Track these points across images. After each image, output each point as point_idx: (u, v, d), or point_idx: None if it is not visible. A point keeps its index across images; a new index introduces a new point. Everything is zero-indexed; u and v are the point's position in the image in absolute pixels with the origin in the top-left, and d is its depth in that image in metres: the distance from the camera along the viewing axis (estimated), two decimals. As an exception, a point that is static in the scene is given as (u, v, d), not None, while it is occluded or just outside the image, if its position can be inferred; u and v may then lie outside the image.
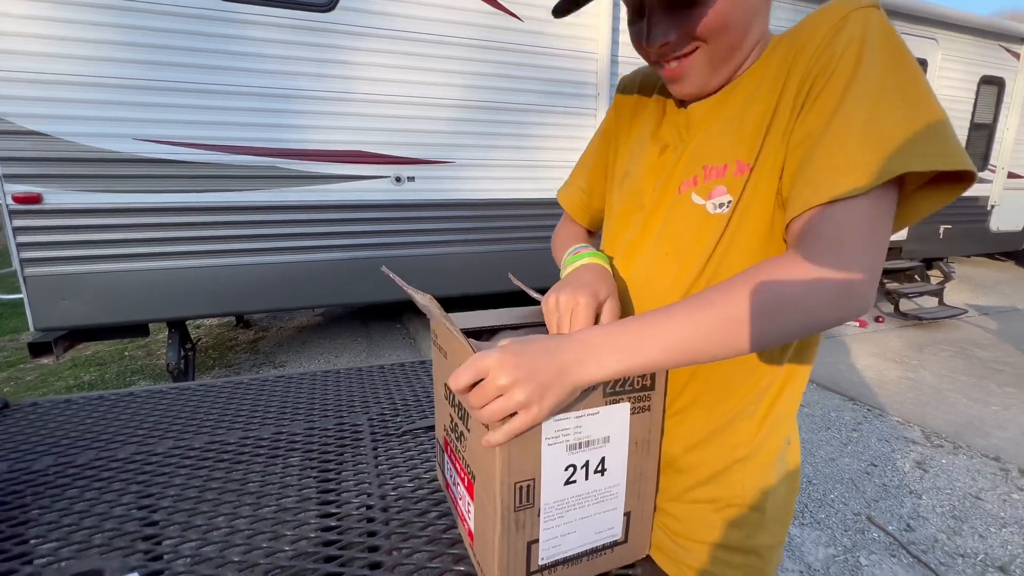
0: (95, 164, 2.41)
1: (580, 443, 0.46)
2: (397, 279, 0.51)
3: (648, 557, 0.56)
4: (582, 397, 0.45)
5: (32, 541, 0.59)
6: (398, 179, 2.96)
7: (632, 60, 3.35)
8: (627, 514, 0.51)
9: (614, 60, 3.30)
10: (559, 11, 0.51)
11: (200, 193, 2.60)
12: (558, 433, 0.45)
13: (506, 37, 3.04)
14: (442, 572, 0.56)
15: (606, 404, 0.46)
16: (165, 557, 0.59)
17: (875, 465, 2.21)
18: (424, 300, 0.46)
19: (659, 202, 0.56)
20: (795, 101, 0.44)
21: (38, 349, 2.47)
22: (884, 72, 0.40)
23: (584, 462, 0.47)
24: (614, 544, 0.52)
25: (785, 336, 0.41)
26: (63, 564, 0.56)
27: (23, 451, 0.79)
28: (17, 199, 2.29)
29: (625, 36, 3.27)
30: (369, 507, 0.68)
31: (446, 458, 0.62)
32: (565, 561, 0.49)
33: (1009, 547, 1.72)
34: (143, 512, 0.65)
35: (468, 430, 0.50)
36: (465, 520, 0.55)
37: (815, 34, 0.44)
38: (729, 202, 0.49)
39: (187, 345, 3.08)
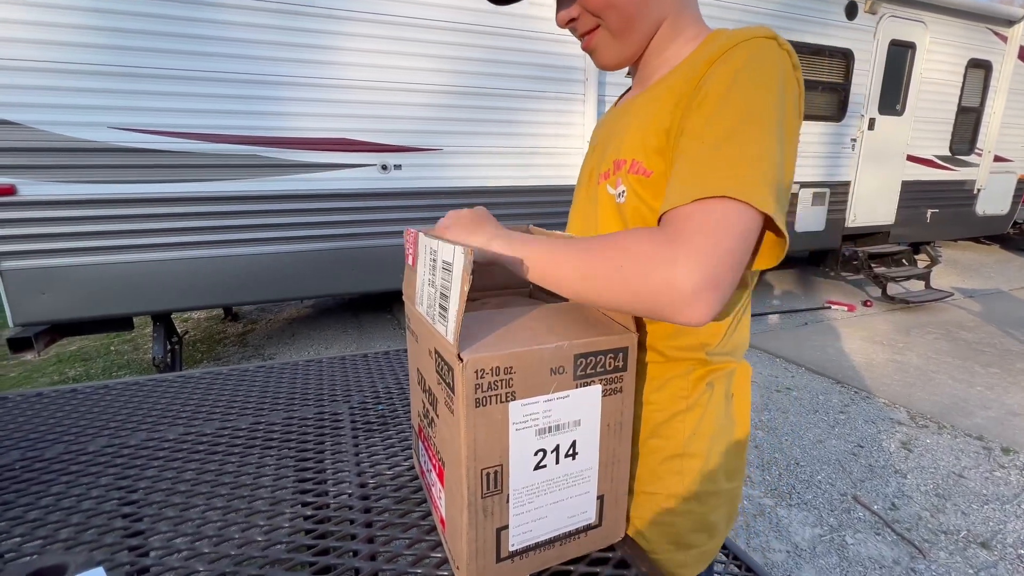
0: (70, 154, 2.35)
1: (550, 427, 0.45)
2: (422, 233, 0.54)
3: (627, 538, 0.56)
4: (552, 381, 0.44)
5: (-6, 537, 0.57)
6: (384, 167, 2.91)
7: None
8: (600, 497, 0.50)
9: (602, 44, 3.26)
10: None
11: (180, 183, 2.54)
12: (526, 418, 0.43)
13: (493, 20, 2.99)
14: (418, 559, 0.55)
15: (576, 387, 0.45)
16: (134, 551, 0.57)
17: (861, 446, 2.23)
18: (452, 254, 0.44)
19: (588, 190, 0.64)
20: (683, 117, 0.48)
21: (18, 344, 2.43)
22: (745, 101, 0.44)
23: (554, 446, 0.46)
24: (588, 528, 0.51)
25: (604, 301, 0.45)
26: (26, 559, 0.54)
27: (-11, 446, 0.77)
28: (-11, 191, 2.23)
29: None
30: (348, 495, 0.67)
31: (420, 445, 0.61)
32: (537, 546, 0.48)
33: (991, 523, 1.75)
34: (112, 505, 0.64)
35: (437, 416, 0.48)
36: (437, 507, 0.54)
37: (712, 54, 0.47)
38: (624, 192, 0.54)
39: (173, 339, 3.04)
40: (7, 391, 0.98)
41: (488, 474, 0.43)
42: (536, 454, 0.45)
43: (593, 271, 0.44)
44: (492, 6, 2.90)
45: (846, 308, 4.42)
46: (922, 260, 5.26)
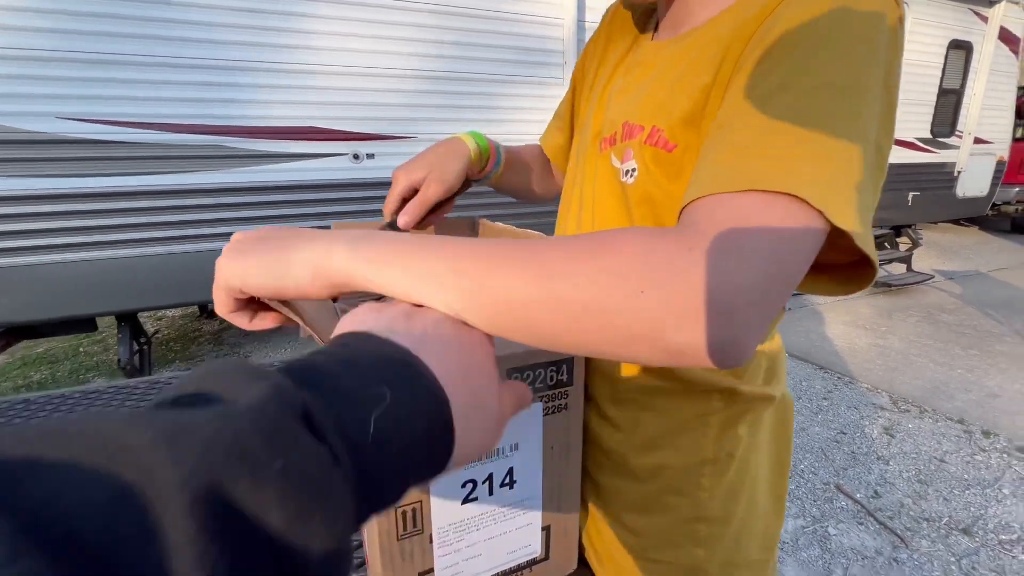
0: (16, 146, 2.20)
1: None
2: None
3: (579, 571, 0.50)
4: None
5: None
6: (356, 156, 2.80)
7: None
8: (546, 528, 0.44)
9: (580, 26, 3.16)
10: None
11: (139, 176, 2.41)
12: None
13: (467, 1, 2.87)
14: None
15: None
16: None
17: (844, 433, 2.22)
18: None
19: (588, 152, 0.51)
20: (728, 79, 0.35)
21: (-29, 349, 2.31)
22: (840, 62, 0.30)
23: (487, 475, 0.39)
24: (533, 563, 0.45)
25: (590, 348, 0.27)
26: None
27: None
28: (-72, 187, 2.09)
29: (592, 1, 3.13)
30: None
31: None
32: None
33: (972, 508, 1.74)
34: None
35: None
36: (364, 542, 0.47)
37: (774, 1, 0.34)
38: (634, 170, 0.42)
39: (140, 339, 2.92)
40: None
41: (405, 512, 0.37)
42: (464, 486, 0.39)
43: (566, 292, 0.25)
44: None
45: (830, 292, 4.44)
46: (903, 243, 5.29)
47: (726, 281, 0.25)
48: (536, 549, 0.44)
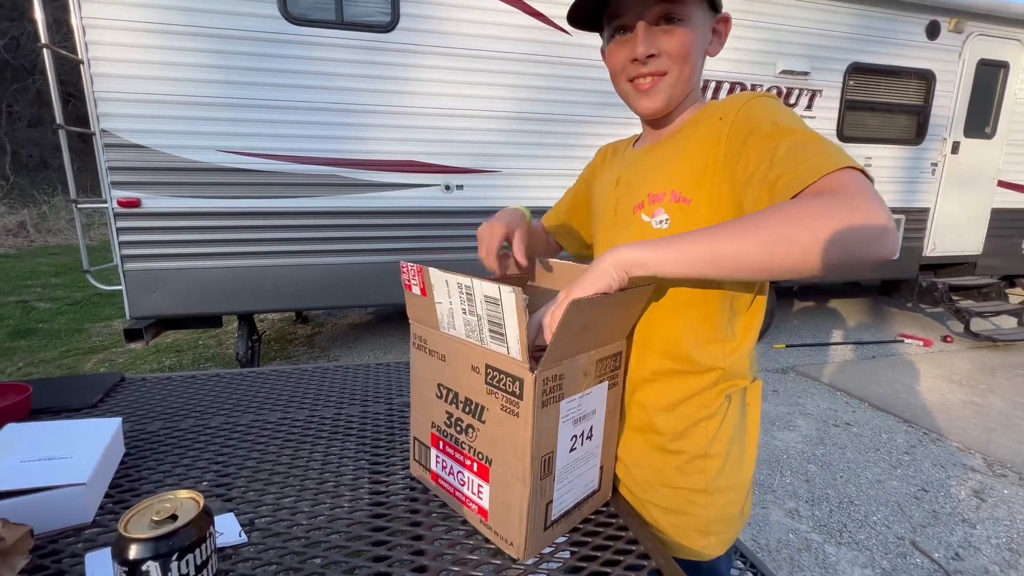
0: (184, 173, 2.72)
1: (581, 417, 0.58)
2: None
3: (614, 495, 0.71)
4: (583, 381, 0.56)
5: (149, 486, 0.74)
6: (447, 187, 3.12)
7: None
8: (601, 467, 0.64)
9: (661, 71, 3.32)
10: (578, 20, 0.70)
11: (269, 199, 2.86)
12: (568, 412, 0.55)
13: (555, 51, 3.14)
14: (473, 547, 0.65)
15: (596, 384, 0.58)
16: (253, 504, 0.72)
17: (926, 490, 2.11)
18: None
19: (616, 221, 0.74)
20: (726, 157, 0.58)
21: (131, 335, 2.81)
22: (799, 125, 0.55)
23: (581, 431, 0.58)
24: (593, 493, 0.64)
25: (830, 260, 0.47)
26: (175, 503, 0.70)
27: (139, 415, 0.96)
28: (121, 203, 2.63)
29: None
30: (412, 478, 0.79)
31: (434, 453, 0.68)
32: (567, 513, 0.60)
33: (1072, 586, 1.61)
34: (232, 469, 0.80)
35: (482, 421, 0.57)
36: (472, 501, 0.61)
37: (732, 110, 0.59)
38: (667, 219, 0.64)
39: (253, 337, 3.37)
40: (145, 374, 1.20)
41: (544, 460, 0.54)
42: (571, 439, 0.57)
43: (817, 235, 0.46)
44: (557, 37, 3.07)
45: (921, 343, 4.14)
46: (1016, 295, 4.82)
47: (874, 211, 0.46)
48: (595, 484, 0.64)
